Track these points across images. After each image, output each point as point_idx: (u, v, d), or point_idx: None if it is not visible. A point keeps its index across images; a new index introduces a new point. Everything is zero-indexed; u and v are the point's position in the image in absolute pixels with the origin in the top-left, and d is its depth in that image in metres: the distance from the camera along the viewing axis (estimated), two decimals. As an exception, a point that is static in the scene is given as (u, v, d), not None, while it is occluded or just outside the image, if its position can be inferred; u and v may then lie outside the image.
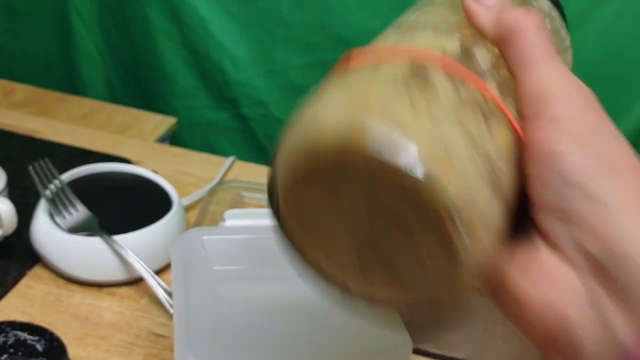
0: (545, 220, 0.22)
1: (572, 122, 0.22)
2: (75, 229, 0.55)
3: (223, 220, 0.53)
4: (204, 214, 0.63)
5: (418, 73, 0.24)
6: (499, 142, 0.23)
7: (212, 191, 0.67)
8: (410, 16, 0.30)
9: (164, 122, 0.84)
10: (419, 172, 0.21)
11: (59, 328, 0.49)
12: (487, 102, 0.24)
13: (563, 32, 0.30)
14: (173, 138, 0.86)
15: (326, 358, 0.41)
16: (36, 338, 0.45)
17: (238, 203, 0.66)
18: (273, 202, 0.26)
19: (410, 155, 0.21)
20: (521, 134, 0.24)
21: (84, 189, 0.59)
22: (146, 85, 0.93)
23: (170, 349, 0.50)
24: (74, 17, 0.90)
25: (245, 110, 0.89)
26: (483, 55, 0.26)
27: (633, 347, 0.20)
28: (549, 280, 0.22)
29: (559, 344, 0.22)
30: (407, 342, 0.41)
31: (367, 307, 0.26)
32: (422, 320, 0.26)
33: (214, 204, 0.65)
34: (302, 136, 0.23)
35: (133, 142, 0.77)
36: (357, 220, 0.24)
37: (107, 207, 0.58)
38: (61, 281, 0.55)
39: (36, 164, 0.58)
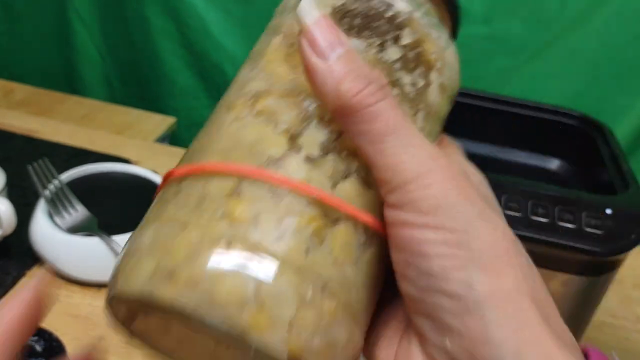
0: (417, 321, 0.20)
1: (439, 211, 0.19)
2: (74, 229, 0.55)
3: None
4: (203, 214, 0.62)
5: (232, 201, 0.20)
6: (338, 255, 0.20)
7: (212, 191, 0.66)
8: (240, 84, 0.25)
9: (163, 122, 0.83)
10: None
11: (58, 328, 0.49)
12: (324, 210, 0.20)
13: (434, 33, 0.24)
14: (172, 138, 0.86)
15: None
16: (35, 338, 0.45)
17: (238, 203, 0.66)
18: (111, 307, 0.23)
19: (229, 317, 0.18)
20: (377, 228, 0.21)
21: (83, 189, 0.59)
22: (146, 85, 0.93)
23: (170, 349, 0.50)
24: (74, 18, 0.90)
25: (245, 110, 0.89)
26: (320, 129, 0.21)
27: None
28: None
29: None
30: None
31: None
32: None
33: (214, 204, 0.65)
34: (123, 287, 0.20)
35: (132, 142, 0.77)
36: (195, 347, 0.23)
37: (106, 207, 0.58)
38: (60, 281, 0.55)
39: (35, 164, 0.58)
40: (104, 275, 0.54)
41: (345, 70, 0.20)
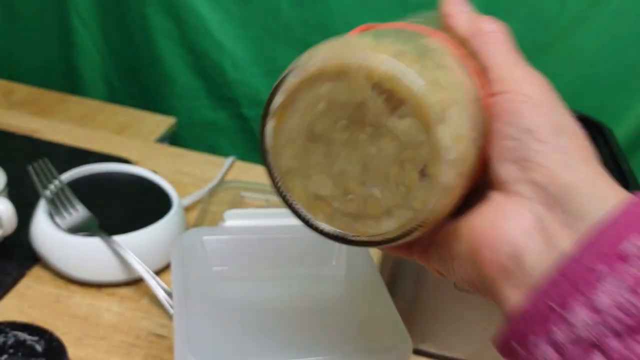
0: (501, 167, 0.27)
1: (535, 95, 0.27)
2: (74, 229, 0.55)
3: (223, 220, 0.53)
4: (203, 214, 0.63)
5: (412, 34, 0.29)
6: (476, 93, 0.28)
7: (212, 191, 0.67)
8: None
9: (163, 122, 0.84)
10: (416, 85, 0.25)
11: (58, 328, 0.49)
12: (470, 70, 0.29)
13: None
14: (173, 138, 0.86)
15: (326, 358, 0.41)
16: (36, 338, 0.45)
17: (238, 203, 0.66)
18: (264, 121, 0.28)
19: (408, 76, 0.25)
20: (486, 101, 0.28)
21: (83, 189, 0.59)
22: (146, 85, 0.93)
23: (170, 349, 0.50)
24: (74, 17, 0.91)
25: (245, 110, 0.89)
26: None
27: (569, 251, 0.24)
28: (502, 217, 0.26)
29: (509, 271, 0.25)
30: (407, 342, 0.41)
31: (345, 230, 0.29)
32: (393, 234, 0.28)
33: (214, 204, 0.65)
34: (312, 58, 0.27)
35: (133, 142, 0.77)
36: (349, 144, 0.27)
37: (106, 207, 0.58)
38: (61, 281, 0.55)
39: (36, 164, 0.58)
40: (104, 275, 0.55)
41: (475, 15, 0.32)
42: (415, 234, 0.27)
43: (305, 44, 0.97)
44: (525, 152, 0.26)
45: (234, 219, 0.53)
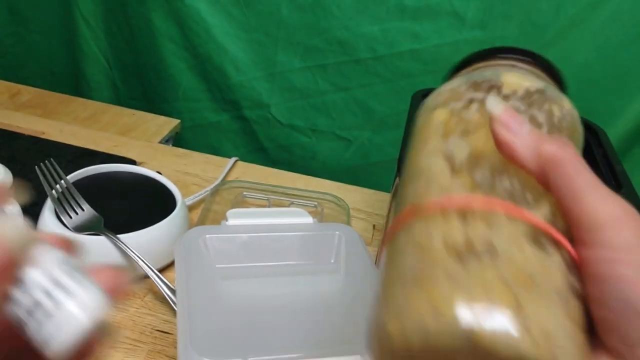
0: (608, 338, 0.23)
1: (630, 249, 0.23)
2: (80, 228, 0.56)
3: (225, 219, 0.54)
4: (206, 213, 0.63)
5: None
6: (566, 272, 0.24)
7: (215, 191, 0.67)
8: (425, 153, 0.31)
9: (167, 124, 0.84)
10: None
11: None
12: (548, 237, 0.25)
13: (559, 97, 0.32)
14: (176, 139, 0.87)
15: (327, 356, 0.41)
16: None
17: (240, 203, 0.67)
18: None
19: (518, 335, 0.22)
20: (576, 257, 0.25)
21: (89, 189, 0.59)
22: (150, 88, 0.94)
23: (174, 345, 0.51)
24: (79, 21, 0.91)
25: (247, 112, 0.90)
26: (512, 182, 0.27)
27: None
28: None
29: None
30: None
31: None
32: None
33: (217, 204, 0.65)
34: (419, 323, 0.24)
35: (137, 143, 0.78)
36: None
37: (112, 206, 0.59)
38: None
39: (42, 165, 0.59)
40: (110, 273, 0.55)
41: (539, 138, 0.26)
42: None
43: (306, 48, 0.98)
44: (629, 332, 0.22)
45: (236, 218, 0.53)
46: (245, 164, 0.77)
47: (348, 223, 0.65)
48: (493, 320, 0.22)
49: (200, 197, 0.67)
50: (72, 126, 0.79)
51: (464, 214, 0.26)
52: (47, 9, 0.93)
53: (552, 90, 0.32)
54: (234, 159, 0.76)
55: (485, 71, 0.33)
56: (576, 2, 0.73)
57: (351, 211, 0.68)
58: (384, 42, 0.79)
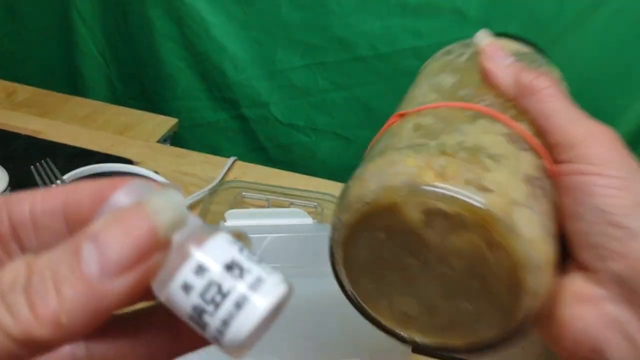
0: (581, 252, 0.24)
1: (604, 164, 0.24)
2: (77, 229, 0.55)
3: (224, 220, 0.53)
4: (205, 213, 0.63)
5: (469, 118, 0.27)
6: (543, 176, 0.26)
7: (213, 191, 0.67)
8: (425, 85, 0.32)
9: (165, 123, 0.84)
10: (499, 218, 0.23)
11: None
12: (527, 143, 0.27)
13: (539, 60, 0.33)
14: (174, 138, 0.86)
15: (326, 357, 0.41)
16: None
17: (239, 203, 0.67)
18: (333, 259, 0.28)
19: (488, 203, 0.23)
20: (551, 169, 0.26)
21: (86, 189, 0.59)
22: (148, 87, 0.93)
23: (172, 347, 0.50)
24: (76, 19, 0.91)
25: (246, 111, 0.90)
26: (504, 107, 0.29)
27: None
28: (584, 307, 0.24)
29: None
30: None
31: (443, 340, 0.28)
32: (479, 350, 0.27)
33: (215, 204, 0.65)
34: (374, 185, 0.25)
35: (135, 142, 0.77)
36: (420, 267, 0.26)
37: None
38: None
39: (39, 165, 0.59)
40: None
41: (520, 67, 0.29)
42: (517, 336, 0.26)
43: (305, 46, 0.98)
44: (601, 239, 0.24)
45: (235, 219, 0.53)
46: (245, 163, 0.76)
47: (348, 223, 0.64)
48: (447, 180, 0.24)
49: (199, 197, 0.67)
50: (69, 125, 0.79)
51: (439, 113, 0.28)
52: (45, 8, 0.93)
53: (541, 59, 0.34)
54: (232, 159, 0.75)
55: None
56: (579, 0, 0.73)
57: (352, 211, 0.67)
58: (384, 39, 0.79)
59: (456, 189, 0.23)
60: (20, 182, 0.59)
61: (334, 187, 0.73)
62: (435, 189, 0.24)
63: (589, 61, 0.75)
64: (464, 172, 0.24)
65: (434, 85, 0.31)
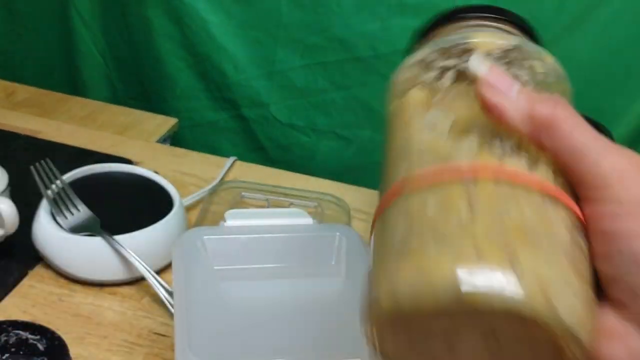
0: (613, 292, 0.23)
1: (636, 202, 0.23)
2: (76, 229, 0.55)
3: (224, 220, 0.53)
4: (204, 214, 0.63)
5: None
6: (572, 230, 0.24)
7: (213, 191, 0.67)
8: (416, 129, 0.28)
9: (165, 123, 0.84)
10: (533, 304, 0.21)
11: (60, 327, 0.50)
12: (549, 197, 0.24)
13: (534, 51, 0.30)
14: (174, 139, 0.86)
15: (326, 357, 0.41)
16: (37, 337, 0.45)
17: (238, 203, 0.67)
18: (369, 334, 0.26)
19: (518, 288, 0.21)
20: (580, 216, 0.24)
21: (85, 189, 0.59)
22: (147, 86, 0.93)
23: (171, 348, 0.50)
24: (76, 19, 0.91)
25: (246, 111, 0.90)
26: (514, 146, 0.26)
27: None
28: (615, 344, 0.23)
29: None
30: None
31: None
32: None
33: (215, 204, 0.65)
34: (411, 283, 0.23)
35: (134, 142, 0.77)
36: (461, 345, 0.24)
37: (108, 207, 0.58)
38: (63, 281, 0.55)
39: (38, 165, 0.59)
40: (106, 275, 0.55)
41: (530, 98, 0.25)
42: None
43: (305, 46, 0.98)
44: (633, 284, 0.23)
45: (235, 219, 0.53)
46: (244, 163, 0.76)
47: (348, 224, 0.64)
48: (482, 277, 0.22)
49: (199, 197, 0.67)
50: (69, 125, 0.79)
51: (455, 182, 0.24)
52: (44, 7, 0.93)
53: (530, 45, 0.30)
54: (232, 159, 0.75)
55: (451, 36, 0.31)
56: (579, 1, 0.73)
57: (352, 212, 0.67)
58: (384, 40, 0.78)
59: (489, 290, 0.21)
60: (19, 182, 0.59)
61: (334, 187, 0.73)
62: (474, 293, 0.22)
63: (588, 61, 0.75)
64: (499, 262, 0.22)
65: (428, 126, 0.27)
